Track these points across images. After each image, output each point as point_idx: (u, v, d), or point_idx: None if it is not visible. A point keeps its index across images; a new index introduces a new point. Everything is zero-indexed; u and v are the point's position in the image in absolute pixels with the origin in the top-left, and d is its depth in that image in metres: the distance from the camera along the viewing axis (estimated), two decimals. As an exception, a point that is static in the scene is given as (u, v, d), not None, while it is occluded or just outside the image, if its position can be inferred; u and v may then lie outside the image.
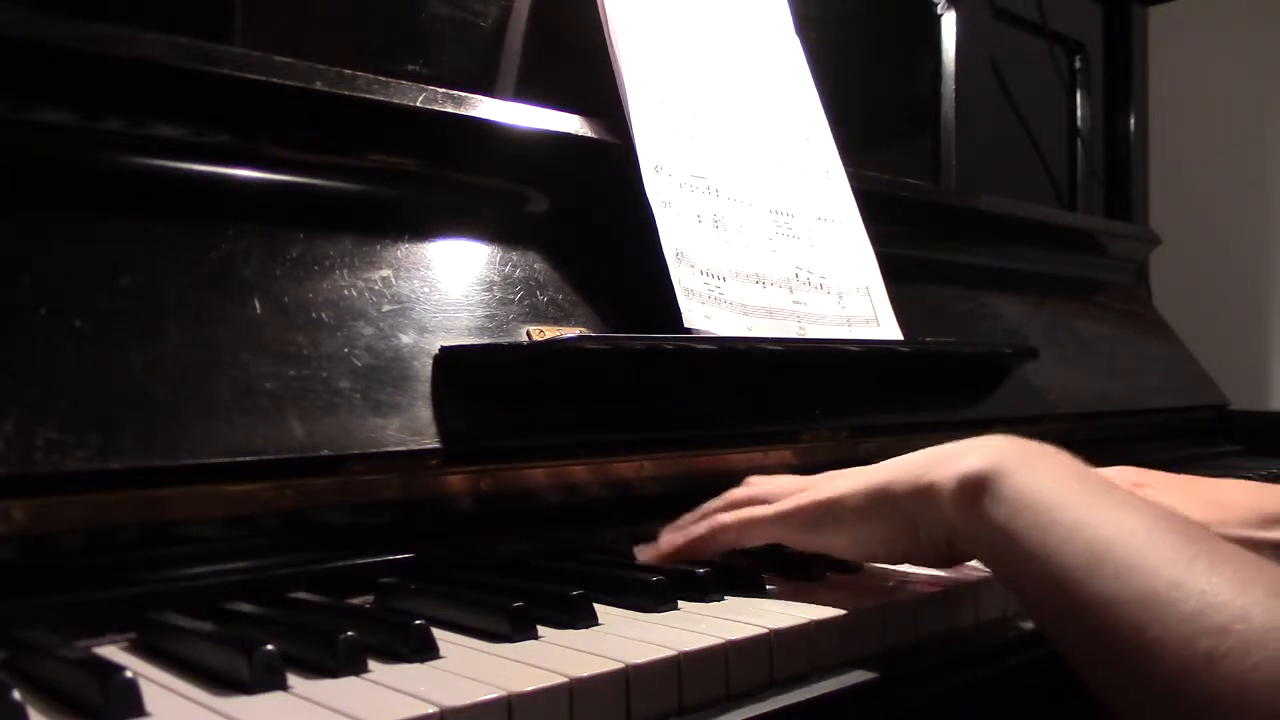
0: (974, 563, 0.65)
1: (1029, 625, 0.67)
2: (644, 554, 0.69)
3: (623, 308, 0.85)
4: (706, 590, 0.62)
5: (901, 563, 0.65)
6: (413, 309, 0.74)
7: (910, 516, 0.60)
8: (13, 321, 0.58)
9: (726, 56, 1.00)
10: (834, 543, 0.64)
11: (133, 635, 0.56)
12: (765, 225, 0.94)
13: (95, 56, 0.64)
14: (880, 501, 0.61)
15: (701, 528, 0.67)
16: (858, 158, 1.08)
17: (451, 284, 0.77)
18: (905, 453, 0.63)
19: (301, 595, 0.62)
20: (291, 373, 0.65)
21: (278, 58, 0.71)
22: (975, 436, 0.60)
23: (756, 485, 0.71)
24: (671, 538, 0.69)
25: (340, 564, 0.65)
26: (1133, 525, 0.51)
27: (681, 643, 0.52)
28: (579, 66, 0.92)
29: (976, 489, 0.56)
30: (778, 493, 0.67)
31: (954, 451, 0.59)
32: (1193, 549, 0.49)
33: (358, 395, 0.67)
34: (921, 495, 0.59)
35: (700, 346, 0.81)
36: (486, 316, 0.77)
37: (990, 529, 0.55)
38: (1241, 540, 0.75)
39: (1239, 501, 0.78)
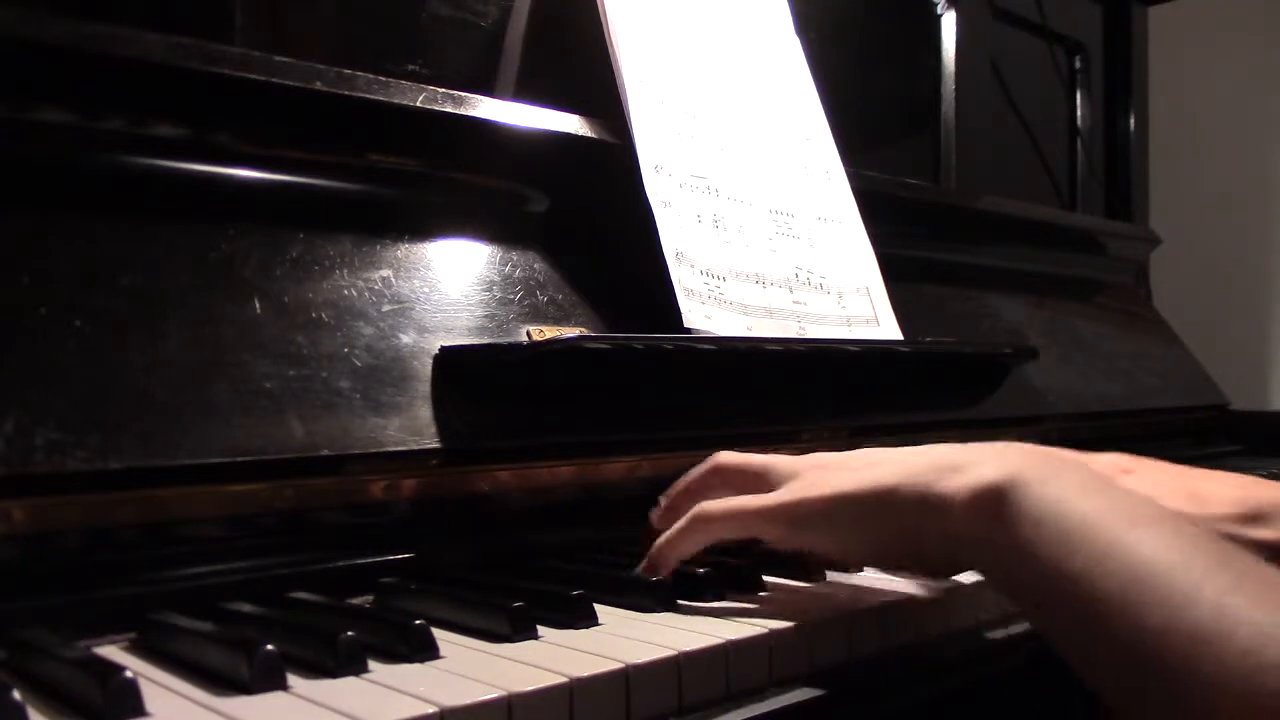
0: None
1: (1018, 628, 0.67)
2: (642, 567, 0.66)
3: (623, 308, 0.85)
4: (706, 590, 0.62)
5: (893, 570, 0.63)
6: (413, 309, 0.74)
7: (912, 526, 0.56)
8: (13, 321, 0.58)
9: (726, 56, 1.00)
10: (823, 543, 0.60)
11: (133, 635, 0.56)
12: (765, 225, 0.94)
13: (95, 56, 0.64)
14: (881, 507, 0.56)
15: (685, 521, 0.62)
16: (858, 158, 1.08)
17: (451, 284, 0.77)
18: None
19: (301, 595, 0.62)
20: (291, 373, 0.65)
21: (278, 58, 0.71)
22: (980, 439, 0.58)
23: (749, 455, 0.66)
24: (657, 545, 0.64)
25: (340, 564, 0.65)
26: (1169, 544, 0.48)
27: (681, 643, 0.52)
28: (579, 66, 0.92)
29: (993, 503, 0.52)
30: (769, 468, 0.63)
31: (965, 458, 0.55)
32: (1234, 572, 0.46)
33: (358, 395, 0.67)
34: (929, 506, 0.54)
35: (700, 346, 0.81)
36: (486, 316, 0.77)
37: (1008, 548, 0.51)
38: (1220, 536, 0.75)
39: (1224, 495, 0.77)
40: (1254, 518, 0.74)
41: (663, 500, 0.68)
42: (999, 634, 0.67)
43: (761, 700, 0.53)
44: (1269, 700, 0.42)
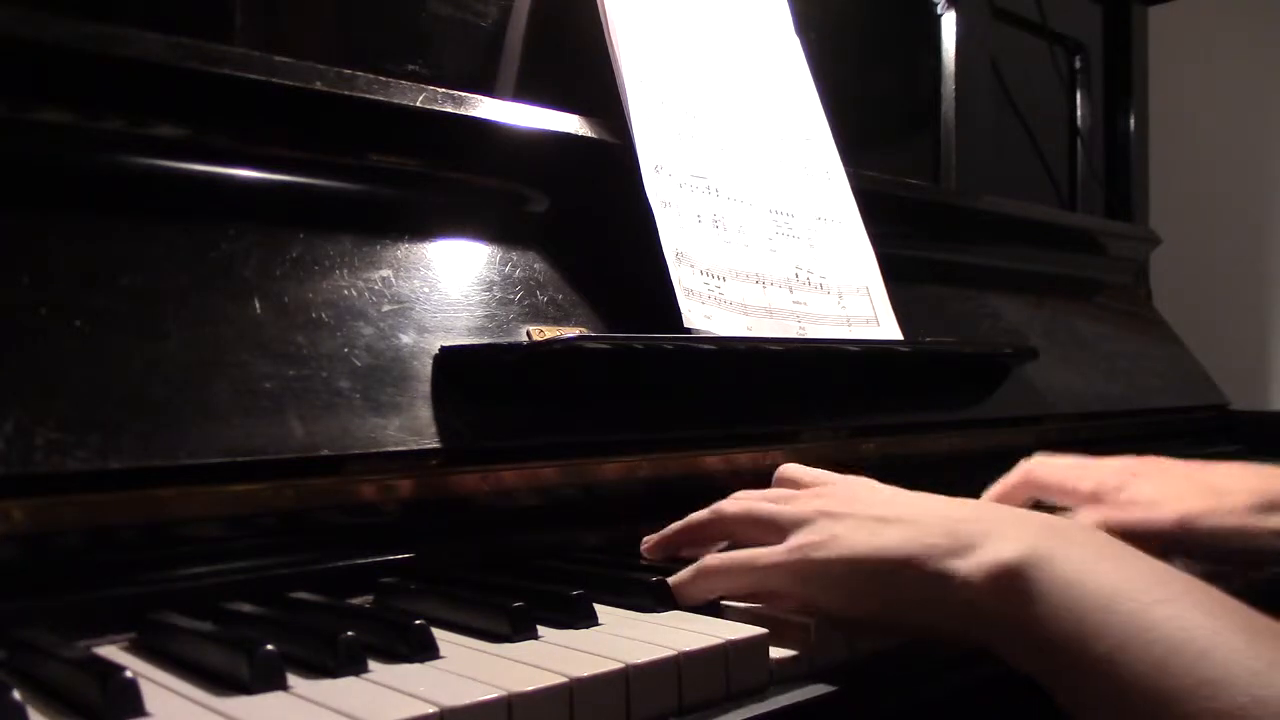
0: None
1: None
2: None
3: (623, 308, 0.85)
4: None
5: (902, 635, 0.59)
6: (413, 309, 0.74)
7: (924, 599, 0.54)
8: (13, 321, 0.58)
9: (726, 56, 1.00)
10: (832, 603, 0.57)
11: (133, 635, 0.56)
12: (765, 225, 0.94)
13: (95, 56, 0.64)
14: (893, 578, 0.55)
15: (690, 573, 0.61)
16: (858, 158, 1.08)
17: (451, 284, 0.77)
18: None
19: (301, 595, 0.62)
20: (291, 373, 0.65)
21: (278, 58, 0.71)
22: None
23: (750, 503, 0.64)
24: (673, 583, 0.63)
25: (340, 564, 0.65)
26: (1194, 620, 0.47)
27: (681, 643, 0.52)
28: (579, 66, 0.92)
29: (1011, 582, 0.51)
30: (772, 519, 0.61)
31: (980, 529, 0.54)
32: (1264, 646, 0.46)
33: (358, 395, 0.67)
34: (943, 582, 0.53)
35: (700, 346, 0.81)
36: (486, 316, 0.77)
37: (1027, 626, 0.50)
38: (1238, 528, 0.75)
39: (1242, 486, 0.77)
40: (1273, 506, 0.74)
41: (655, 538, 0.69)
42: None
43: (762, 700, 0.53)
44: None
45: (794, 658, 0.56)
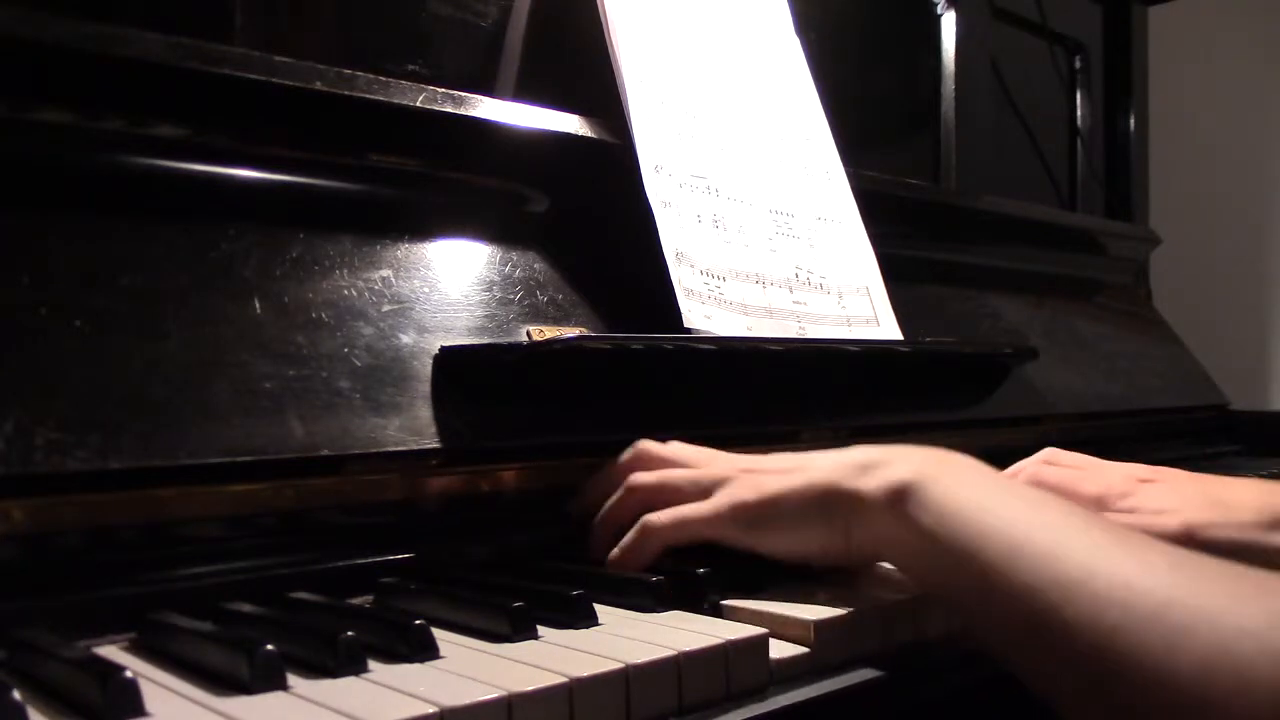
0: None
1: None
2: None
3: (623, 308, 0.85)
4: (706, 591, 0.62)
5: (828, 565, 0.65)
6: (413, 309, 0.74)
7: (844, 520, 0.62)
8: (13, 321, 0.58)
9: (726, 56, 1.00)
10: (771, 542, 0.64)
11: (133, 635, 0.56)
12: (765, 225, 0.94)
13: (95, 56, 0.64)
14: (822, 503, 0.62)
15: (634, 534, 0.66)
16: (858, 158, 1.08)
17: (451, 284, 0.77)
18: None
19: (301, 595, 0.62)
20: (291, 373, 0.65)
21: (278, 58, 0.71)
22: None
23: (650, 452, 0.71)
24: (612, 559, 0.67)
25: (340, 564, 0.65)
26: (1049, 519, 0.54)
27: (681, 643, 0.52)
28: (579, 66, 0.92)
29: (903, 497, 0.58)
30: (691, 481, 0.67)
31: (880, 458, 0.61)
32: (1102, 537, 0.52)
33: (358, 395, 0.67)
34: (855, 501, 0.61)
35: (700, 346, 0.81)
36: (486, 316, 0.77)
37: (915, 534, 0.58)
38: (1243, 543, 0.75)
39: (1246, 501, 0.77)
40: (1277, 524, 0.75)
41: (593, 540, 0.70)
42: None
43: (762, 700, 0.53)
44: (1114, 637, 0.47)
45: (795, 658, 0.56)
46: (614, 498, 0.70)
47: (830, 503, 0.62)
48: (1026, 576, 0.52)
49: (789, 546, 0.64)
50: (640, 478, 0.69)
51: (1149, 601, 0.48)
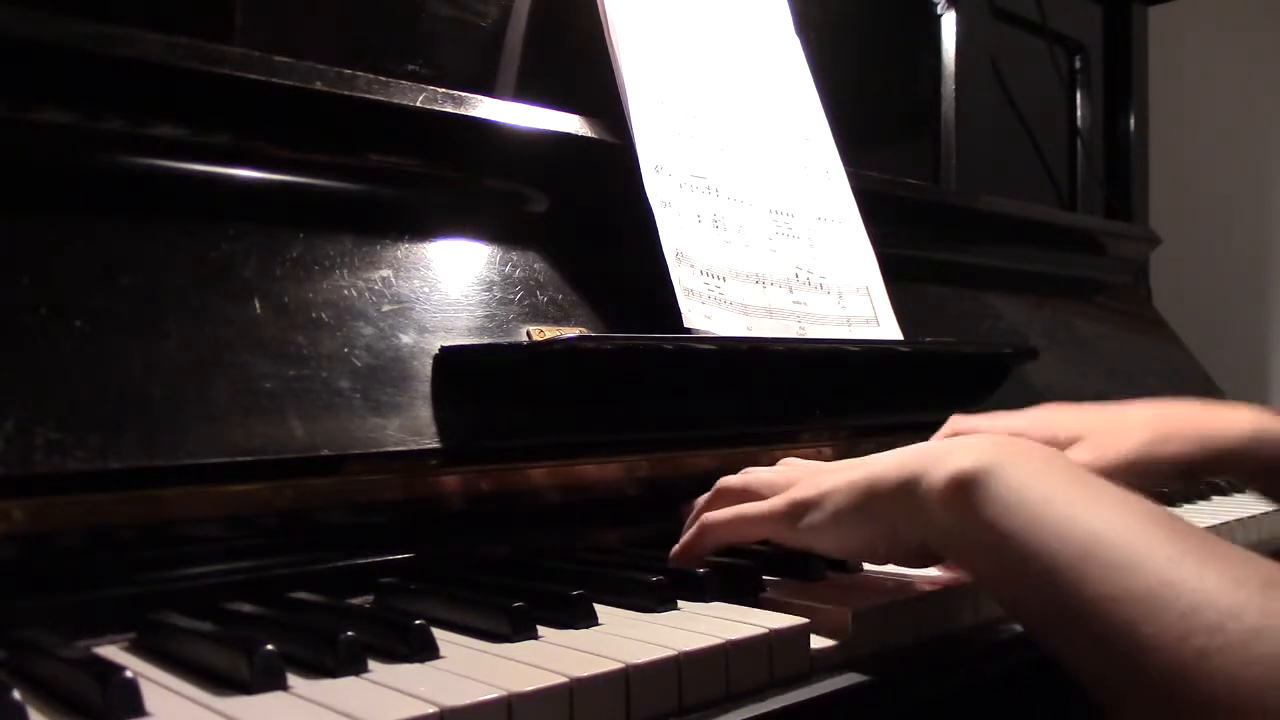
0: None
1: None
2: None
3: (623, 308, 0.85)
4: (706, 590, 0.62)
5: (879, 562, 0.65)
6: (413, 309, 0.74)
7: (892, 515, 0.60)
8: (13, 321, 0.58)
9: (726, 56, 1.00)
10: (820, 539, 0.63)
11: (133, 635, 0.56)
12: (765, 225, 0.94)
13: (95, 56, 0.64)
14: (867, 499, 0.61)
15: (693, 530, 0.68)
16: (858, 158, 1.08)
17: (451, 284, 0.77)
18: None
19: (301, 595, 0.62)
20: (291, 373, 0.65)
21: (278, 58, 0.71)
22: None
23: (750, 476, 0.70)
24: (672, 555, 0.69)
25: (340, 564, 0.65)
26: (1123, 522, 0.51)
27: (681, 643, 0.52)
28: (579, 66, 0.92)
29: (966, 487, 0.55)
30: (769, 485, 0.67)
31: (943, 450, 0.58)
32: (1182, 545, 0.49)
33: (358, 395, 0.67)
34: (908, 494, 0.58)
35: (700, 346, 0.81)
36: (486, 316, 0.77)
37: (978, 528, 0.55)
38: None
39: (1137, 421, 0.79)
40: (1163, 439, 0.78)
41: (679, 547, 0.70)
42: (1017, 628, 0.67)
43: (762, 700, 0.53)
44: (1194, 657, 0.44)
45: (795, 658, 0.56)
46: (703, 499, 0.71)
47: (880, 496, 0.60)
48: (1102, 587, 0.48)
49: (834, 543, 0.63)
50: (728, 480, 0.70)
51: (1244, 625, 0.44)
